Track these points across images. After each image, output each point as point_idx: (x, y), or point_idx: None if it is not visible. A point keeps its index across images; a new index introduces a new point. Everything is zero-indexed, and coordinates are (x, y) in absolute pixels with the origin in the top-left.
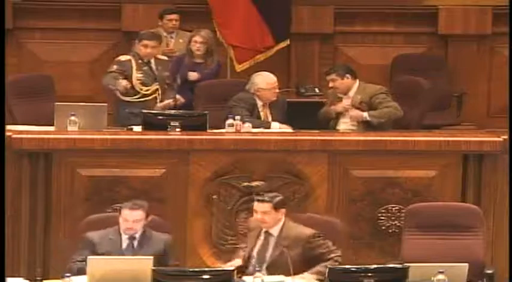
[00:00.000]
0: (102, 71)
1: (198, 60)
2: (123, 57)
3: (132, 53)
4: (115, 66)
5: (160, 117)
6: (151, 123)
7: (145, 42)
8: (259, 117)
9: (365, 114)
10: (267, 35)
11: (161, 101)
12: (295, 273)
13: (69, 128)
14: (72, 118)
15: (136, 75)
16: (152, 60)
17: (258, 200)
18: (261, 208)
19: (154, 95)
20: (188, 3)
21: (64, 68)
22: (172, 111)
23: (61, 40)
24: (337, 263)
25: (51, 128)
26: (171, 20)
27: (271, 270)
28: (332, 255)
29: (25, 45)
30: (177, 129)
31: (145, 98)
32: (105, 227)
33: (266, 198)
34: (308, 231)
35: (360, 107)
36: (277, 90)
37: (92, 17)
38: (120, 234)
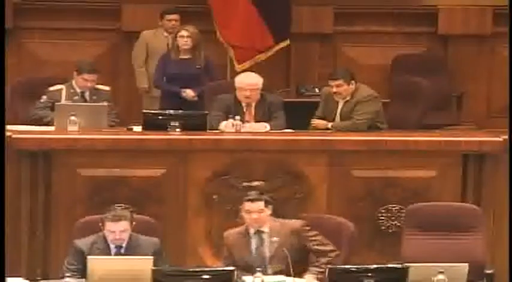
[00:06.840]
0: (102, 71)
1: (185, 56)
2: (53, 87)
3: (67, 84)
4: (44, 97)
5: (160, 117)
6: (151, 123)
7: (85, 76)
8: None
9: (329, 125)
10: (267, 35)
11: None
12: (296, 267)
13: (69, 128)
14: (72, 118)
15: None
16: (87, 91)
17: (251, 200)
18: (256, 207)
19: None
20: (188, 3)
21: (64, 68)
22: (172, 111)
23: (61, 40)
24: (333, 260)
25: (51, 128)
26: (170, 20)
27: (274, 265)
28: (331, 254)
29: (25, 45)
30: (177, 129)
31: None
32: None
33: (257, 197)
34: (296, 222)
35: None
36: (248, 93)
37: (92, 17)
38: (108, 243)
